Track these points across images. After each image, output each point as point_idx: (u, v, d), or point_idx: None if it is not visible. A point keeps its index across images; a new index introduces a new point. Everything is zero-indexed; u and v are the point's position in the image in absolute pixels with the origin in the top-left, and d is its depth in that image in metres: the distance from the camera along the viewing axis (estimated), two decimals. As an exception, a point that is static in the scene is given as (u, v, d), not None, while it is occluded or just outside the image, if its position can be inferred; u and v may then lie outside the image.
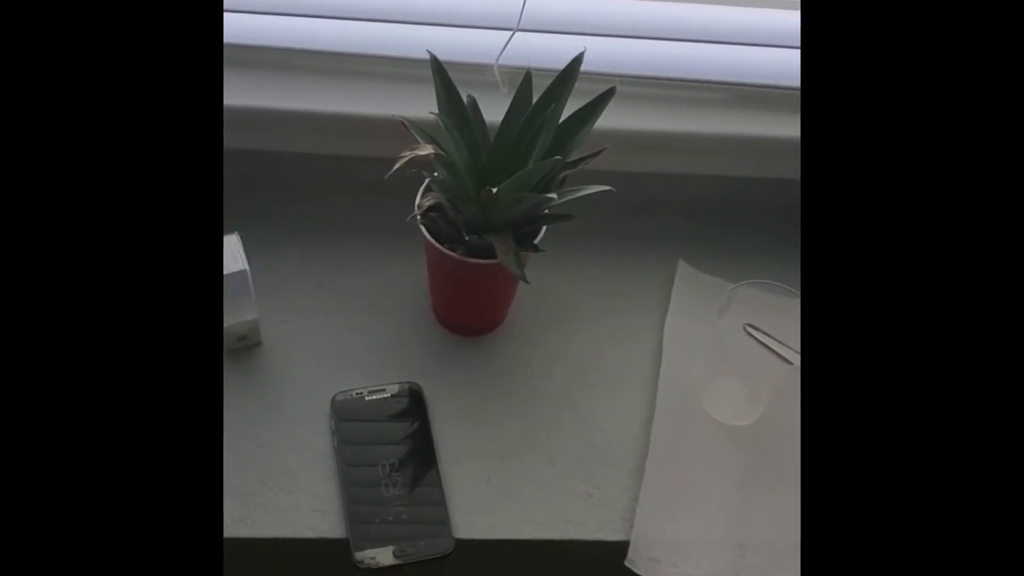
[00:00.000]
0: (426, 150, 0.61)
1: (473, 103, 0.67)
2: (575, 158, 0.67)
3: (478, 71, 0.74)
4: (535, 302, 0.77)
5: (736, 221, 0.84)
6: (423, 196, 0.66)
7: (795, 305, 0.69)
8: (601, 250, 0.81)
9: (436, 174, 0.65)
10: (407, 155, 0.61)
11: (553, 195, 0.61)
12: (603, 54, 0.72)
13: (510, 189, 0.62)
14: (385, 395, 0.71)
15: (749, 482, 0.70)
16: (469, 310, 0.74)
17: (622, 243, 0.82)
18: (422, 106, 0.66)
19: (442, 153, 0.63)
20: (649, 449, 0.70)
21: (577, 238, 0.75)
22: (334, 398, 0.70)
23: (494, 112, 0.68)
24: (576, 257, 0.80)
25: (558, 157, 0.62)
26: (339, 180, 0.79)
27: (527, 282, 0.64)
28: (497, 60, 0.73)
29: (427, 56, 0.65)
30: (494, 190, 0.61)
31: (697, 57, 0.75)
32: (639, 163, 0.79)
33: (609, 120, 0.68)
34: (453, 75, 0.67)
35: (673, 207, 0.83)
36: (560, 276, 0.79)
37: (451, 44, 0.73)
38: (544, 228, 0.67)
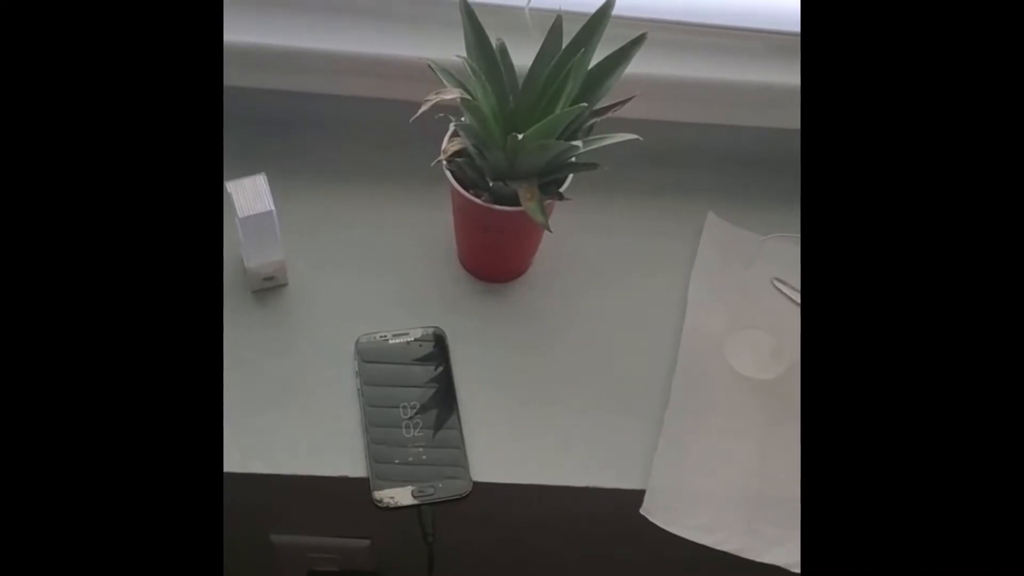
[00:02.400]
0: (452, 94, 0.61)
1: (502, 47, 0.66)
2: (603, 106, 0.66)
3: (509, 14, 0.72)
4: (561, 251, 0.77)
5: (768, 173, 0.82)
6: (449, 141, 0.66)
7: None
8: (629, 200, 0.81)
9: (463, 119, 0.65)
10: (432, 99, 0.60)
11: (578, 143, 0.60)
12: (636, -1, 0.71)
13: (536, 136, 0.61)
14: (408, 339, 0.71)
15: (769, 436, 0.70)
16: (494, 257, 0.74)
17: (651, 193, 0.81)
18: (452, 50, 0.66)
19: (468, 98, 0.62)
20: (669, 399, 0.70)
21: (605, 188, 0.74)
22: (358, 340, 0.71)
23: (524, 56, 0.67)
24: (604, 207, 0.79)
25: (584, 104, 0.61)
26: (368, 122, 0.78)
27: (550, 230, 0.64)
28: (528, 2, 0.71)
29: (457, -2, 0.65)
30: (520, 136, 0.61)
31: (731, 3, 0.73)
32: (670, 112, 0.78)
33: (640, 67, 0.67)
34: (483, 18, 0.66)
35: (704, 158, 0.82)
36: (587, 226, 0.78)
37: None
38: (570, 176, 0.67)
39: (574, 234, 0.77)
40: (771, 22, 0.74)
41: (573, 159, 0.66)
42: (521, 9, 0.72)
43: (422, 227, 0.77)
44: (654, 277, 0.77)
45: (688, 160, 0.82)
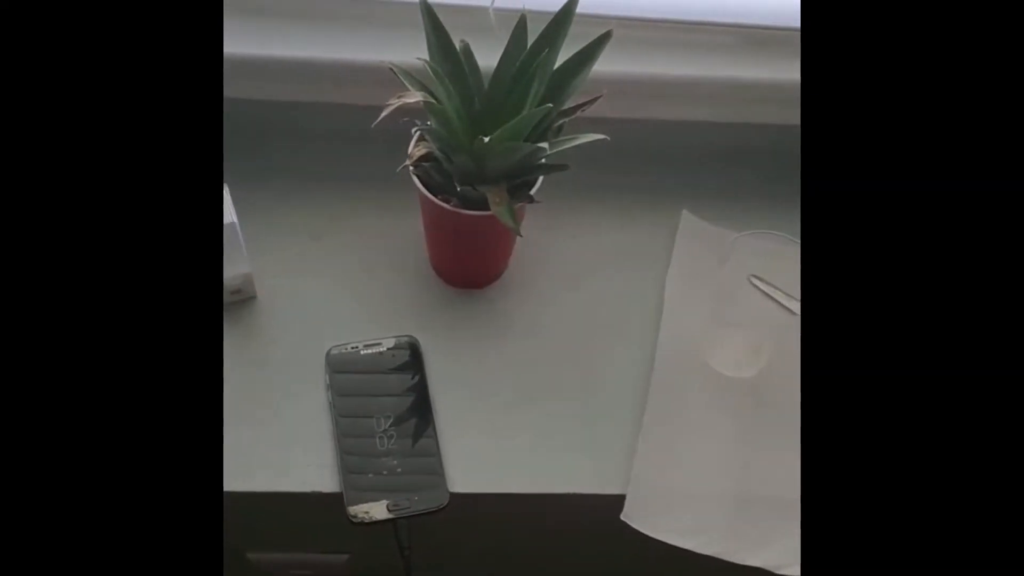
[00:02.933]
0: (414, 97, 0.59)
1: (466, 48, 0.65)
2: (571, 105, 0.65)
3: (473, 14, 0.71)
4: (535, 254, 0.76)
5: (742, 169, 0.82)
6: (415, 146, 0.65)
7: (799, 252, 0.68)
8: (603, 200, 0.79)
9: (428, 123, 0.64)
10: (394, 103, 0.59)
11: (545, 144, 0.59)
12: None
13: (502, 138, 0.60)
14: (381, 349, 0.70)
15: (750, 435, 0.69)
16: (466, 263, 0.73)
17: (625, 193, 0.80)
18: (416, 52, 0.64)
19: (432, 101, 0.61)
20: (648, 402, 0.69)
21: (578, 189, 0.73)
22: (329, 352, 0.69)
23: (490, 57, 0.66)
24: (577, 208, 0.78)
25: (550, 105, 0.60)
26: (331, 129, 0.77)
27: (519, 234, 0.63)
28: (492, 2, 0.70)
29: None
30: (486, 139, 0.60)
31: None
32: (641, 109, 0.77)
33: (609, 65, 0.66)
34: (447, 19, 0.65)
35: (677, 155, 0.81)
36: (561, 227, 0.77)
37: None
38: (540, 179, 0.66)
39: (548, 236, 0.76)
40: (741, 16, 0.73)
41: (543, 160, 0.64)
42: (485, 9, 0.71)
43: (392, 233, 0.76)
44: (630, 277, 0.76)
45: (661, 158, 0.81)
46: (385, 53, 0.70)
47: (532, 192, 0.65)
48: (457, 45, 0.65)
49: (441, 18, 0.65)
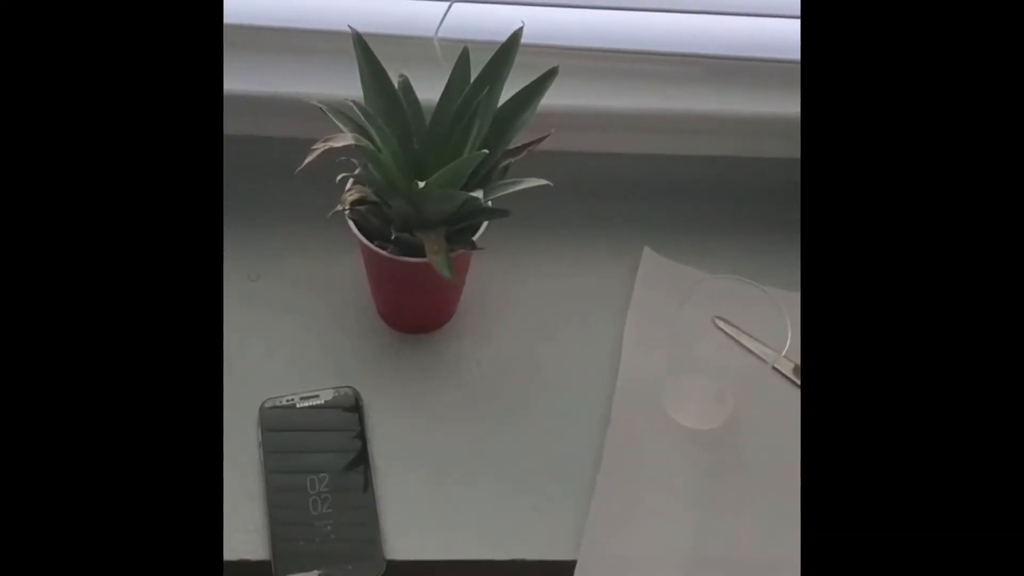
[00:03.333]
0: (342, 141, 0.55)
1: (405, 84, 0.61)
2: (517, 145, 0.61)
3: (417, 44, 0.67)
4: (488, 294, 0.72)
5: (705, 203, 0.78)
6: (349, 189, 0.60)
7: (768, 297, 0.63)
8: (559, 237, 0.75)
9: (358, 170, 0.59)
10: (319, 147, 0.54)
11: (478, 194, 0.55)
12: (555, 23, 0.66)
13: (437, 184, 0.56)
14: (318, 401, 0.65)
15: (710, 492, 0.65)
16: (410, 308, 0.68)
17: (583, 229, 0.76)
18: (355, 84, 0.60)
19: (365, 143, 0.57)
20: (602, 458, 0.65)
21: (533, 225, 0.69)
22: (262, 405, 0.65)
23: (435, 90, 0.62)
24: (532, 246, 0.74)
25: (485, 151, 0.55)
26: (270, 163, 0.72)
27: (454, 283, 0.59)
28: (437, 32, 0.66)
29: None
30: (421, 184, 0.55)
31: (662, 27, 0.68)
32: (599, 143, 0.72)
33: (563, 97, 0.62)
34: (389, 49, 0.61)
35: (639, 190, 0.77)
36: (515, 266, 0.73)
37: (386, 16, 0.66)
38: (485, 223, 0.61)
39: (502, 274, 0.72)
40: (703, 46, 0.69)
41: (490, 203, 0.60)
42: (430, 40, 0.67)
43: (335, 273, 0.71)
44: (588, 319, 0.72)
45: (621, 192, 0.77)
46: (326, 85, 0.66)
47: (475, 237, 0.61)
48: (395, 80, 0.60)
49: (383, 48, 0.60)
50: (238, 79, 0.67)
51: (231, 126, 0.70)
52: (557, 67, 0.59)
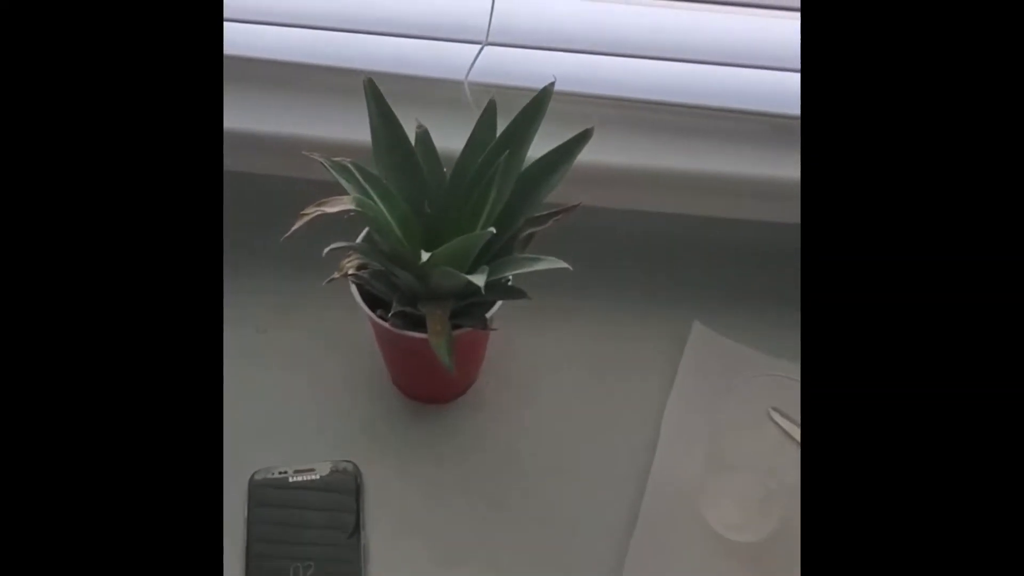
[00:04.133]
0: (339, 205, 0.48)
1: (423, 136, 0.54)
2: (543, 213, 0.53)
3: (446, 87, 0.60)
4: (515, 361, 0.65)
5: (767, 273, 0.69)
6: (348, 256, 0.53)
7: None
8: (597, 301, 0.67)
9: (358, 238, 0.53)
10: (310, 212, 0.48)
11: (479, 279, 0.47)
12: (595, 68, 0.58)
13: (441, 260, 0.49)
14: (313, 476, 0.59)
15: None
16: (422, 378, 0.62)
17: (625, 295, 0.68)
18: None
19: (371, 203, 0.50)
20: (625, 565, 0.57)
21: (569, 286, 0.62)
22: (252, 478, 0.59)
23: (462, 138, 0.55)
24: (568, 311, 0.66)
25: (491, 230, 0.48)
26: (272, 205, 0.66)
27: (452, 371, 0.51)
28: (467, 76, 0.59)
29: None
30: (425, 257, 0.48)
31: (724, 83, 0.60)
32: (646, 200, 0.64)
33: (606, 153, 0.54)
34: (421, 90, 0.54)
35: (688, 254, 0.69)
36: (547, 332, 0.66)
37: (414, 55, 0.60)
38: (499, 302, 0.54)
39: (531, 339, 0.65)
40: (769, 103, 0.60)
41: (509, 280, 0.53)
42: (460, 82, 0.60)
43: (347, 330, 0.65)
44: (623, 399, 0.64)
45: (669, 256, 0.69)
46: (344, 127, 0.60)
47: (489, 315, 0.54)
48: (413, 133, 0.54)
49: (408, 89, 0.54)
50: (252, 116, 0.62)
51: (241, 162, 0.65)
52: (591, 129, 0.51)
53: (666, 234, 0.67)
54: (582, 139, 0.51)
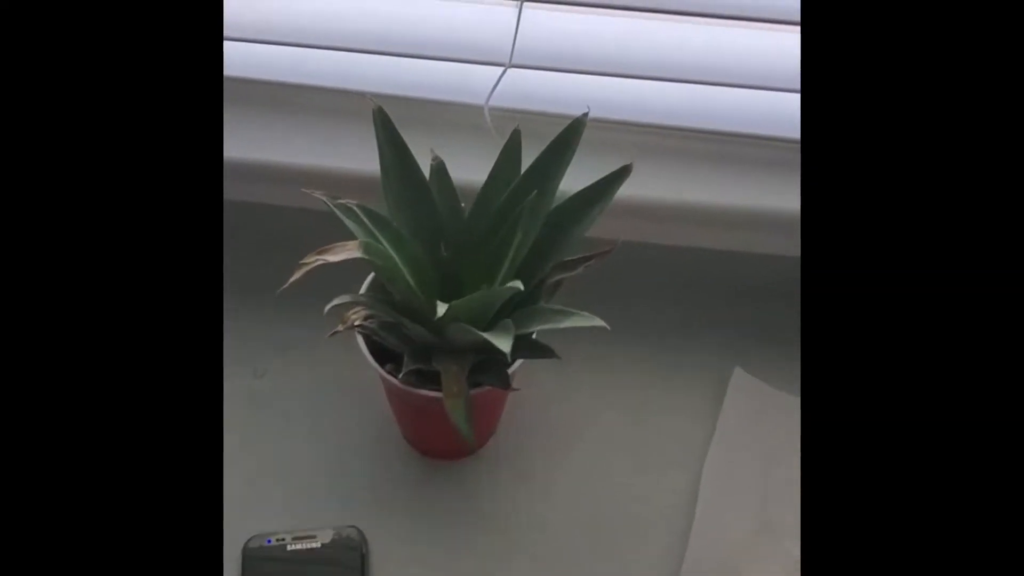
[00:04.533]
0: (343, 253, 0.42)
1: (439, 168, 0.48)
2: (574, 257, 0.47)
3: (467, 112, 0.54)
4: (536, 415, 0.59)
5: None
6: (354, 309, 0.47)
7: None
8: (628, 347, 0.61)
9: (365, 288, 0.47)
10: (309, 262, 0.42)
11: (503, 343, 0.41)
12: (628, 93, 0.52)
13: (457, 314, 0.43)
14: (314, 544, 0.54)
15: None
16: (435, 434, 0.56)
17: (659, 340, 0.62)
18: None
19: (380, 247, 0.44)
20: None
21: (598, 331, 0.56)
22: (246, 545, 0.53)
23: (483, 169, 0.49)
24: (598, 357, 0.60)
25: (517, 284, 0.42)
26: (293, 235, 0.61)
27: (472, 442, 0.46)
28: (488, 100, 0.53)
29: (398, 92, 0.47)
30: (440, 311, 0.42)
31: (755, 103, 0.53)
32: (684, 236, 0.58)
33: (644, 187, 0.48)
34: (440, 115, 0.48)
35: (729, 292, 0.63)
36: (572, 381, 0.60)
37: (432, 78, 0.54)
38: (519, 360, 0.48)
39: (555, 388, 0.59)
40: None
41: (534, 335, 0.47)
42: (480, 107, 0.54)
43: (352, 376, 0.59)
44: (656, 456, 0.58)
45: (708, 296, 0.62)
46: (358, 154, 0.54)
47: (511, 370, 0.48)
48: (427, 164, 0.48)
49: (425, 114, 0.48)
50: (254, 142, 0.56)
51: (240, 191, 0.59)
52: (630, 165, 0.45)
53: (701, 270, 0.61)
54: (620, 176, 0.45)
